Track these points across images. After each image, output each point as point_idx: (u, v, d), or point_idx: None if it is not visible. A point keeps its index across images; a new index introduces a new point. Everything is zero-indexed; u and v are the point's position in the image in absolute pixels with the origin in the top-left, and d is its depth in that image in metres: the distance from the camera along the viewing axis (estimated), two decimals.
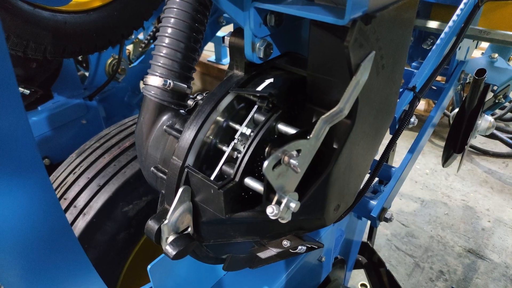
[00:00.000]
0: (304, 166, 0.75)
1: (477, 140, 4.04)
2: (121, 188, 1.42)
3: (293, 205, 0.71)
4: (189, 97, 0.94)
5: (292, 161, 0.68)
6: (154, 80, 0.89)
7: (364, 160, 0.96)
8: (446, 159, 2.82)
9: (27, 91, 1.83)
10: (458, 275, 2.77)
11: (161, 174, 0.87)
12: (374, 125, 0.92)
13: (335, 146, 0.82)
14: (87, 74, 2.40)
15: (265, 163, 0.65)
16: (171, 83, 0.88)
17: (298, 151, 0.72)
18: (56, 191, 1.44)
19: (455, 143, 2.61)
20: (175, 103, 0.91)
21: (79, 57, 2.35)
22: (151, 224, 0.84)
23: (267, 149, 0.69)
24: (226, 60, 4.89)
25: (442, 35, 1.38)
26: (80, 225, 1.37)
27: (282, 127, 0.81)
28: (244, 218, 0.81)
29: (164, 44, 0.90)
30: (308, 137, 0.73)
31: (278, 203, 0.72)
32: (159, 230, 0.83)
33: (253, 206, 0.83)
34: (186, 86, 0.91)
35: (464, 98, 2.25)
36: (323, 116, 0.73)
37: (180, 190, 0.82)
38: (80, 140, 1.71)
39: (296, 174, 0.72)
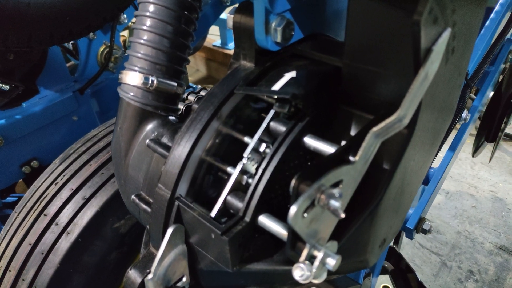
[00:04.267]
0: (346, 202, 0.51)
1: None
2: (111, 200, 1.21)
3: (332, 261, 0.48)
4: (181, 98, 0.70)
5: (333, 202, 0.44)
6: (133, 78, 0.66)
7: (417, 176, 0.72)
8: (476, 148, 2.55)
9: (6, 87, 1.61)
10: (489, 275, 2.54)
11: (144, 206, 0.65)
12: (433, 130, 0.68)
13: (385, 166, 0.59)
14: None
15: (292, 211, 0.42)
16: (155, 81, 0.64)
17: (338, 182, 0.48)
18: (35, 206, 1.23)
19: (488, 131, 2.34)
20: (162, 108, 0.68)
21: (69, 45, 2.12)
22: (132, 276, 0.62)
23: (293, 182, 0.45)
24: (233, 44, 4.60)
25: (498, 8, 1.11)
26: (63, 246, 1.16)
27: (311, 142, 0.57)
28: (259, 270, 0.58)
29: (144, 28, 0.66)
30: (352, 160, 0.49)
31: (310, 257, 0.49)
32: (143, 284, 0.61)
33: (271, 252, 0.60)
34: (175, 84, 0.67)
35: (500, 80, 1.98)
36: (374, 129, 0.49)
37: (170, 230, 0.59)
38: (72, 138, 1.49)
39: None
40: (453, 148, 1.35)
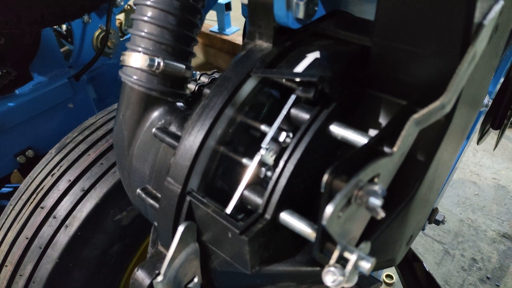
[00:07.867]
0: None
1: None
2: (111, 192, 1.15)
3: (366, 265, 0.43)
4: (189, 82, 0.64)
5: (373, 200, 0.39)
6: (136, 59, 0.59)
7: (447, 168, 0.66)
8: (481, 136, 2.51)
9: None
10: (493, 263, 2.53)
11: (151, 201, 0.59)
12: (465, 118, 0.62)
13: (419, 157, 0.53)
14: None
15: (328, 211, 0.36)
16: (161, 63, 0.58)
17: (373, 177, 0.43)
18: (31, 198, 1.17)
19: (494, 117, 2.30)
20: (169, 93, 0.62)
21: (61, 28, 2.03)
22: (140, 277, 0.56)
23: (326, 178, 0.40)
24: (230, 30, 4.50)
25: None
26: (62, 240, 1.11)
27: (338, 131, 0.51)
28: (281, 272, 0.53)
29: (148, 3, 0.59)
30: (389, 151, 0.44)
31: (341, 260, 0.44)
32: (151, 286, 0.55)
33: (292, 251, 0.55)
34: (184, 66, 0.61)
35: (511, 65, 1.92)
36: (415, 116, 0.43)
37: (181, 228, 0.53)
38: (69, 127, 1.43)
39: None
40: (467, 136, 1.30)
